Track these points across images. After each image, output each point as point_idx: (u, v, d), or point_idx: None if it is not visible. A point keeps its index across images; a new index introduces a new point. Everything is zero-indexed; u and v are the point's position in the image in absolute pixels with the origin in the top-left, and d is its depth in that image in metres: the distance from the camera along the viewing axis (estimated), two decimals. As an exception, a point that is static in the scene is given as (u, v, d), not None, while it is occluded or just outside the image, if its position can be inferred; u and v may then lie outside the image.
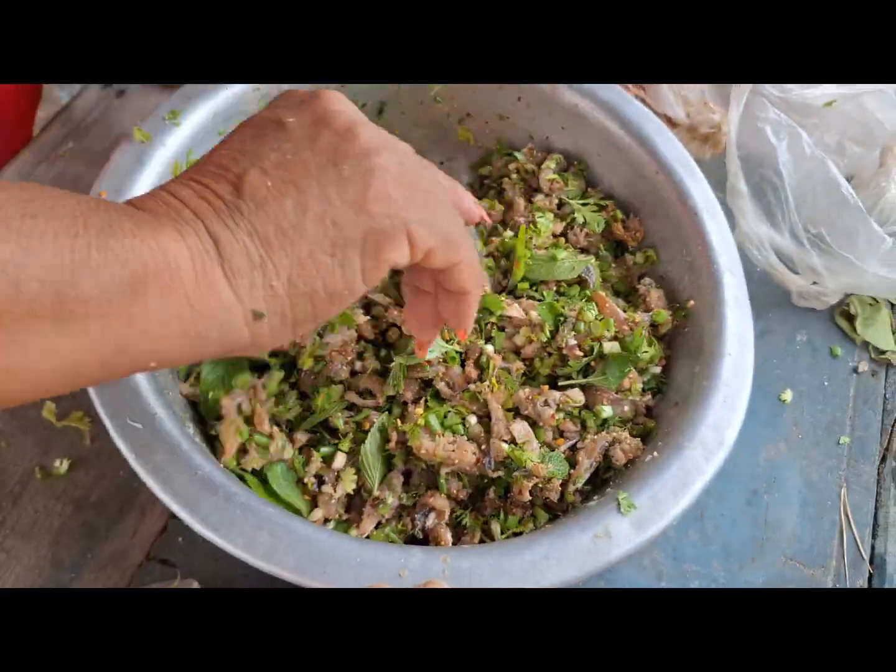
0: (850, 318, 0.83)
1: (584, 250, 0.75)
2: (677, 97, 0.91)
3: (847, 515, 0.73)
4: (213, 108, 0.71)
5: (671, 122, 0.90)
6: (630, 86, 0.95)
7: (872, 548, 0.72)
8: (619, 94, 0.77)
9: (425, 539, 0.61)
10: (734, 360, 0.62)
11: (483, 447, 0.61)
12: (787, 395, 0.79)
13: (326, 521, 0.61)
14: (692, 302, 0.68)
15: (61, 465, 0.68)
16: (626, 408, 0.65)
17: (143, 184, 0.66)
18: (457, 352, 0.64)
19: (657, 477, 0.57)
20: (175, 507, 0.52)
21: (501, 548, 0.54)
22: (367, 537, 0.60)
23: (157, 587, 0.63)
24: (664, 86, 0.90)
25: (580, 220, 0.75)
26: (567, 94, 0.77)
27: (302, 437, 0.62)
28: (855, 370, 0.81)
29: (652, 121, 0.75)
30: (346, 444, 0.62)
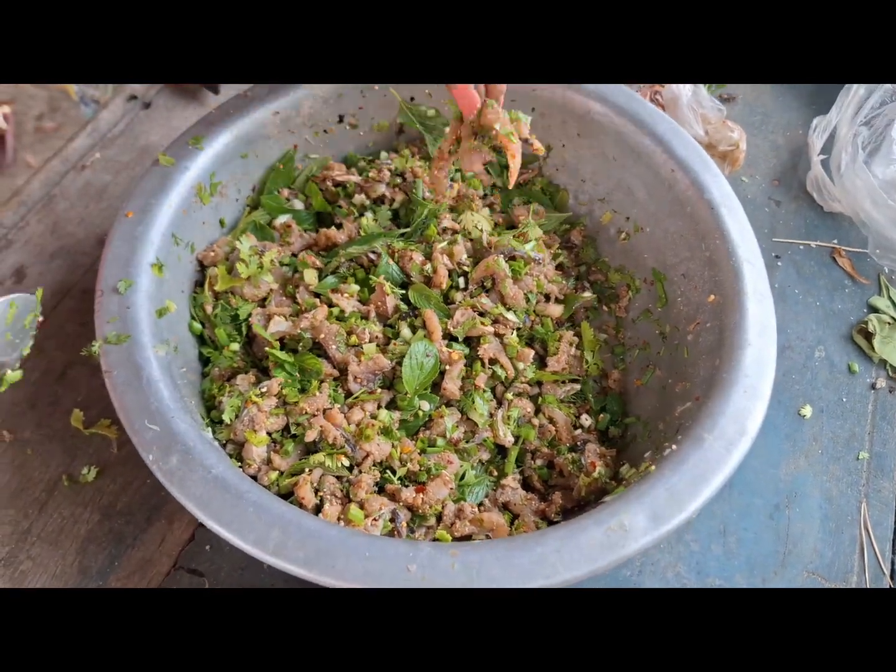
0: (868, 336, 0.83)
1: None
2: (696, 115, 0.92)
3: (867, 530, 0.72)
4: (234, 132, 0.75)
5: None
6: (648, 101, 0.96)
7: (892, 563, 0.71)
8: (631, 97, 0.77)
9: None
10: (756, 350, 0.61)
11: None
12: (807, 411, 0.78)
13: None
14: (713, 297, 0.67)
15: (88, 473, 0.69)
16: None
17: (168, 204, 0.69)
18: None
19: (675, 469, 0.56)
20: (188, 504, 0.53)
21: (511, 542, 0.53)
22: (375, 520, 0.60)
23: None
24: (684, 104, 0.91)
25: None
26: (579, 100, 0.78)
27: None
28: (873, 386, 0.81)
29: (666, 121, 0.76)
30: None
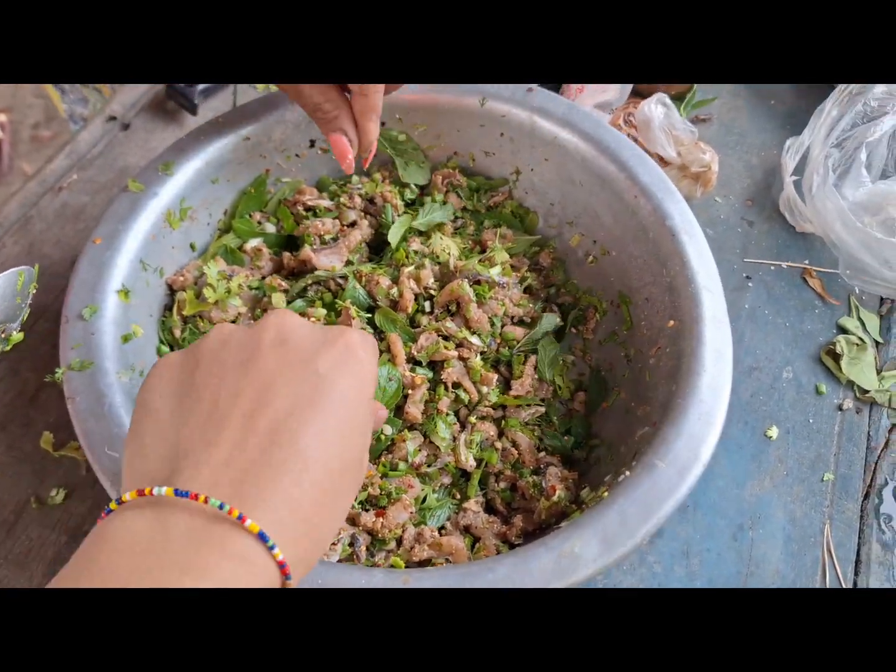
0: (836, 358, 0.84)
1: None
2: (669, 137, 0.93)
3: (830, 552, 0.73)
4: (205, 158, 0.76)
5: (663, 161, 0.92)
6: (622, 124, 0.97)
7: (854, 584, 0.72)
8: (597, 124, 0.78)
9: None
10: (710, 376, 0.62)
11: None
12: (773, 432, 0.79)
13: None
14: (672, 322, 0.68)
15: (57, 495, 0.70)
16: None
17: (136, 231, 0.71)
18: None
19: (627, 496, 0.56)
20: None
21: (465, 568, 0.54)
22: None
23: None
24: (657, 126, 0.92)
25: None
26: (547, 126, 0.79)
27: None
28: (839, 408, 0.81)
29: (630, 147, 0.77)
30: None
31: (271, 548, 0.37)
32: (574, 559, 0.54)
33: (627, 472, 0.59)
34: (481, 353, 0.73)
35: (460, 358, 0.71)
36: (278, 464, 0.38)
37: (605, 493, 0.59)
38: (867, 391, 0.82)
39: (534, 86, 0.80)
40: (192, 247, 0.77)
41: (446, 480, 0.69)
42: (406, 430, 0.69)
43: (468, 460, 0.68)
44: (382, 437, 0.68)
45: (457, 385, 0.70)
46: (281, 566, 0.37)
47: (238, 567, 0.36)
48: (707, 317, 0.66)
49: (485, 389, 0.71)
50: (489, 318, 0.73)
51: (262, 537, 0.36)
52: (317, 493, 0.39)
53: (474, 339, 0.72)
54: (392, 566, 0.61)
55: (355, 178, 0.84)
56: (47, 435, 0.72)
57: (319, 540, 0.41)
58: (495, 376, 0.71)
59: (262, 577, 0.37)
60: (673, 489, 0.57)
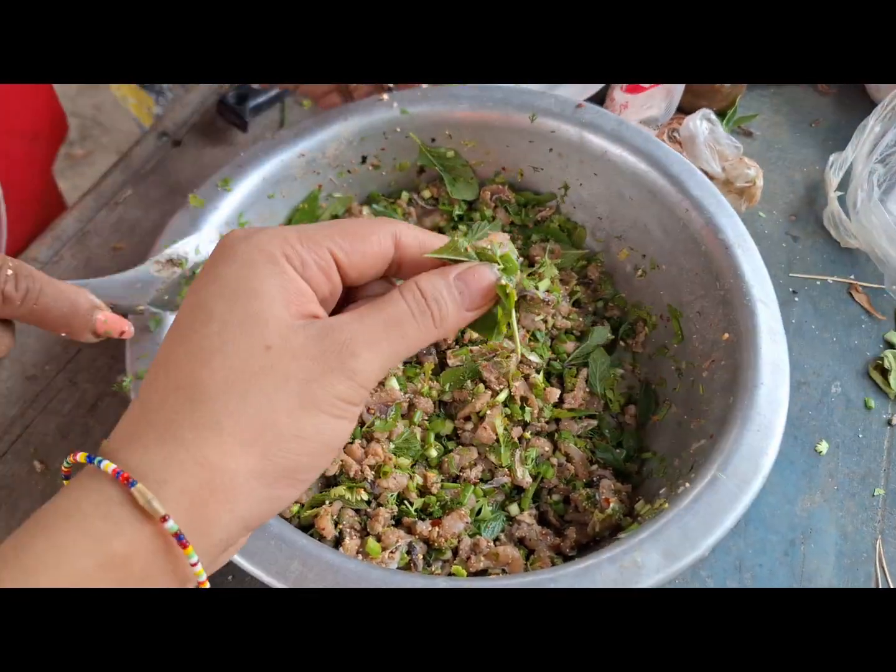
0: (885, 373, 0.84)
1: None
2: (713, 152, 0.93)
3: (882, 567, 0.73)
4: (262, 174, 0.78)
5: (708, 176, 0.92)
6: (666, 140, 0.98)
7: (907, 599, 0.72)
8: (647, 139, 0.79)
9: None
10: (768, 389, 0.62)
11: None
12: (823, 447, 0.79)
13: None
14: (727, 335, 0.68)
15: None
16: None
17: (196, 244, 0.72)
18: None
19: (688, 508, 0.57)
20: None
21: (527, 577, 0.54)
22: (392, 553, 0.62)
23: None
24: (701, 142, 0.93)
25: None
26: (596, 141, 0.80)
27: None
28: (889, 423, 0.81)
29: (681, 162, 0.77)
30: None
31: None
32: (636, 570, 0.54)
33: (687, 485, 0.59)
34: (536, 370, 0.74)
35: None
36: None
37: (665, 505, 0.59)
38: (916, 406, 0.82)
39: (583, 101, 0.81)
40: (248, 260, 0.78)
41: (499, 498, 0.69)
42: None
43: (524, 477, 0.68)
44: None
45: (512, 401, 0.71)
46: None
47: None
48: (763, 329, 0.66)
49: (540, 404, 0.71)
50: (531, 332, 0.74)
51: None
52: None
53: (533, 357, 0.72)
54: (452, 574, 0.62)
55: (405, 194, 0.85)
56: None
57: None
58: (557, 391, 0.71)
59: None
60: (734, 502, 0.57)
